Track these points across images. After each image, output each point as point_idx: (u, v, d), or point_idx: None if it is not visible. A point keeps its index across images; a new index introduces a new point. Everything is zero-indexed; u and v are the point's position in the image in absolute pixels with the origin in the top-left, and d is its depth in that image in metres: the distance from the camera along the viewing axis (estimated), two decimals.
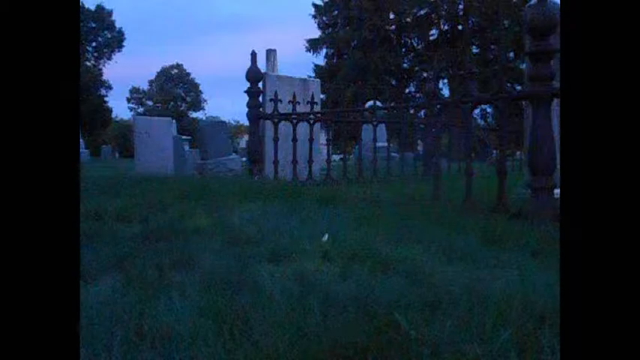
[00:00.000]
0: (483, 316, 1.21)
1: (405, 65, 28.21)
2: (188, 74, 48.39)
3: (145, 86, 48.76)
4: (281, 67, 9.98)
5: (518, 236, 2.34)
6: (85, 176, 4.81)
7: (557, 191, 3.08)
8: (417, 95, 26.13)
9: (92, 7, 34.28)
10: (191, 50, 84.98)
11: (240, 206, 3.17)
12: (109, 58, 36.80)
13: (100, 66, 36.37)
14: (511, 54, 22.66)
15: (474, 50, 25.66)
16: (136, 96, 48.42)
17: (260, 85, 5.63)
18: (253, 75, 5.47)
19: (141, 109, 46.90)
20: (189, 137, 18.53)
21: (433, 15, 27.29)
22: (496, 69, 3.40)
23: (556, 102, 3.24)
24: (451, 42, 25.75)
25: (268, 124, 5.78)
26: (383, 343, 1.09)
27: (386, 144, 7.39)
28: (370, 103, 8.98)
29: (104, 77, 36.17)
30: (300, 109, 5.79)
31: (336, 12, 28.85)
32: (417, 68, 27.97)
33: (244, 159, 9.43)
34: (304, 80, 7.25)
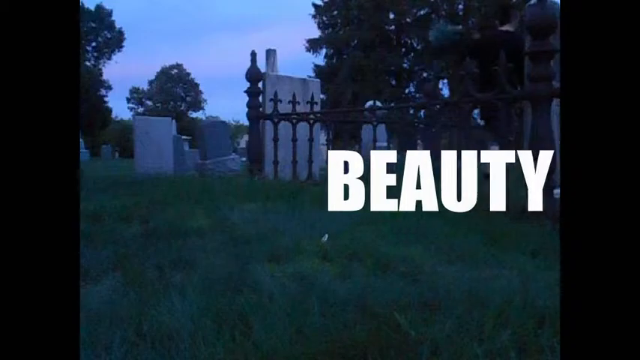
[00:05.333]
0: (483, 316, 1.21)
1: (405, 65, 28.21)
2: (188, 74, 48.38)
3: (144, 86, 48.79)
4: (281, 67, 9.95)
5: (518, 236, 2.34)
6: (85, 176, 4.81)
7: (557, 191, 3.07)
8: (417, 95, 26.10)
9: (92, 7, 34.32)
10: (191, 50, 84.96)
11: (240, 206, 3.17)
12: (109, 58, 36.88)
13: (100, 66, 36.44)
14: None
15: None
16: (135, 96, 48.43)
17: (260, 85, 5.63)
18: (253, 75, 5.46)
19: (141, 109, 46.91)
20: (189, 137, 18.50)
21: (433, 15, 27.30)
22: (496, 69, 3.40)
23: (556, 102, 3.24)
24: None
25: (268, 124, 5.78)
26: (383, 343, 1.09)
27: (386, 144, 7.38)
28: (370, 103, 8.95)
29: (104, 77, 36.22)
30: (300, 109, 5.78)
31: (336, 12, 28.86)
32: (417, 68, 27.97)
33: (244, 159, 9.41)
34: (304, 80, 7.24)
